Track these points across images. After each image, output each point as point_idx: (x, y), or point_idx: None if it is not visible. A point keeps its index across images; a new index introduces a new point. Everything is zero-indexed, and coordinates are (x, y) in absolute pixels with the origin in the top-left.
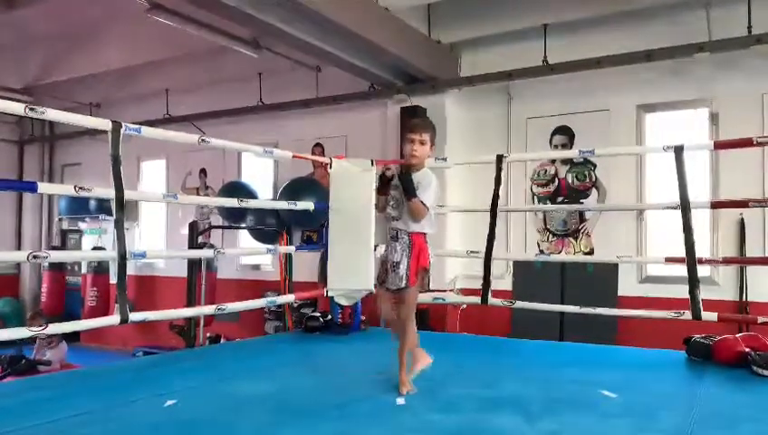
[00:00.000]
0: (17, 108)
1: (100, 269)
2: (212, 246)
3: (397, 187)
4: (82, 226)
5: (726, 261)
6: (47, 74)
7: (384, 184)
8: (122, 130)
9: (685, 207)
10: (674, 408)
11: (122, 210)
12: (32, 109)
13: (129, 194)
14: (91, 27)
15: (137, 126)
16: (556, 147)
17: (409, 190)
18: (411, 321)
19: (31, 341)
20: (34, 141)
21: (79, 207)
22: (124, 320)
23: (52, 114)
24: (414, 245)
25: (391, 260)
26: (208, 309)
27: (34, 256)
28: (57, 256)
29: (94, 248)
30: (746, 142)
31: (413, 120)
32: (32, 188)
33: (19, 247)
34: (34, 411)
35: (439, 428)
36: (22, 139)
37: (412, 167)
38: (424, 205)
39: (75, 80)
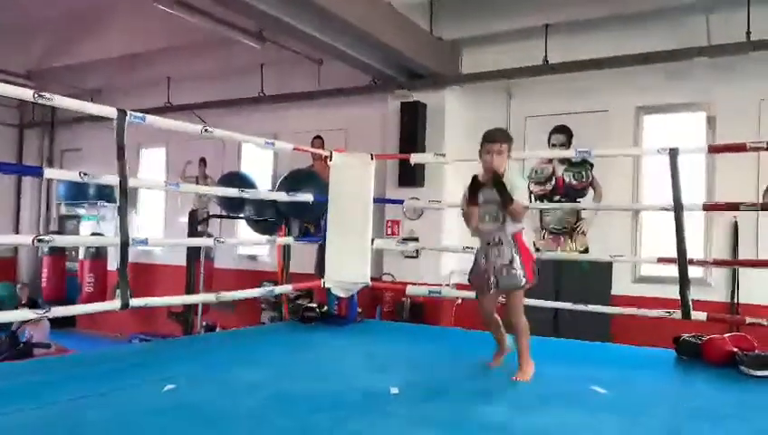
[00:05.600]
0: (26, 93)
1: (97, 255)
2: (210, 236)
3: (487, 201)
4: (80, 211)
5: (717, 263)
6: (49, 59)
7: (474, 192)
8: (127, 119)
9: (677, 208)
10: (662, 404)
11: (125, 197)
12: (40, 95)
13: (132, 181)
14: (95, 13)
15: (141, 114)
16: (554, 146)
17: (506, 197)
18: (523, 315)
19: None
20: (35, 126)
21: (77, 192)
22: (125, 305)
23: (59, 101)
24: (519, 243)
25: (500, 263)
26: (208, 296)
27: (39, 240)
28: (61, 240)
29: (93, 234)
30: (740, 147)
31: (490, 132)
32: (38, 172)
33: (17, 231)
34: (33, 394)
35: (431, 418)
36: (22, 123)
37: (499, 174)
38: (521, 204)
39: (77, 65)
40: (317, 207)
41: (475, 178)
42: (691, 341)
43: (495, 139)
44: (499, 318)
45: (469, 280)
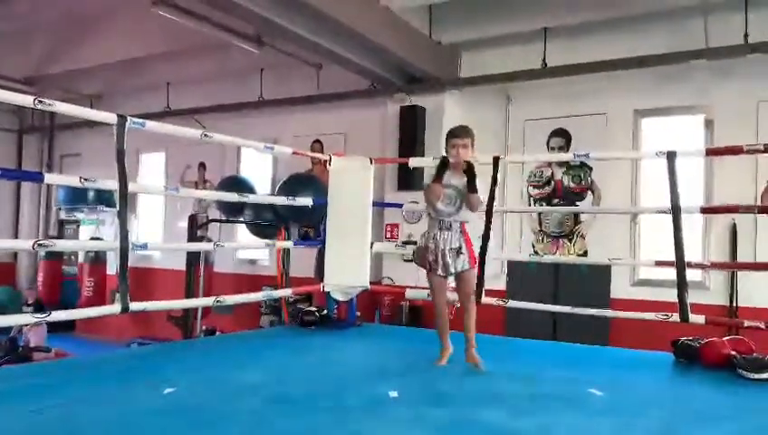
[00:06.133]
0: (26, 100)
1: (96, 260)
2: (209, 240)
3: (449, 186)
4: (80, 216)
5: (715, 265)
6: (49, 64)
7: (441, 171)
8: (127, 124)
9: (675, 211)
10: (659, 407)
11: (126, 202)
12: (40, 101)
13: (131, 186)
14: (94, 19)
15: (141, 120)
16: (553, 149)
17: (473, 185)
18: (473, 299)
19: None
20: (34, 131)
21: (76, 197)
22: (125, 309)
23: (59, 107)
24: (465, 232)
25: (450, 247)
26: (207, 300)
27: (39, 245)
28: (61, 244)
29: (92, 239)
30: (736, 150)
31: (455, 129)
32: (38, 178)
33: (16, 236)
34: (33, 397)
35: (430, 420)
36: (21, 128)
37: (472, 163)
38: (480, 198)
39: (76, 70)
40: (316, 210)
41: (444, 158)
42: (689, 344)
43: (459, 134)
44: (448, 320)
45: (414, 259)
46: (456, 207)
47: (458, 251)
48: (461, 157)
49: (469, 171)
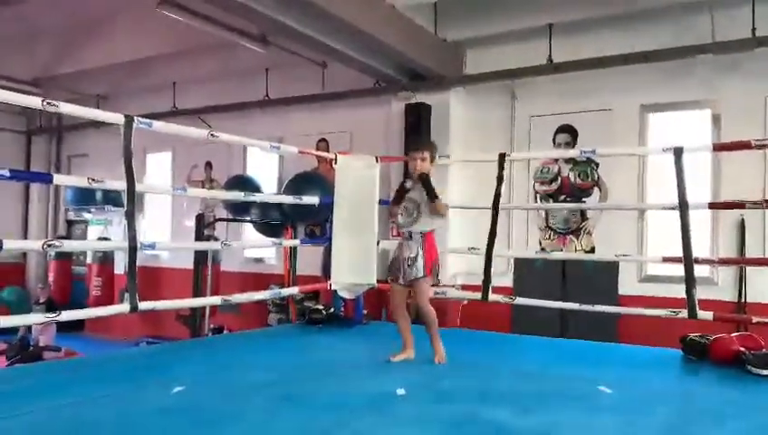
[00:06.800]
0: (34, 102)
1: (105, 259)
2: (216, 239)
3: (409, 200)
4: (88, 216)
5: (722, 261)
6: (55, 66)
7: (401, 196)
8: (134, 124)
9: (682, 207)
10: (666, 404)
11: (133, 202)
12: (48, 103)
13: (139, 187)
14: (99, 20)
15: (148, 120)
16: (559, 145)
17: (432, 194)
18: (428, 304)
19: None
20: (42, 132)
21: (84, 197)
22: (134, 308)
23: (67, 108)
24: (426, 241)
25: (407, 256)
26: (215, 299)
27: (49, 245)
28: (70, 245)
29: (100, 239)
30: (744, 145)
31: (414, 141)
32: (48, 179)
33: (25, 236)
34: (44, 396)
35: (436, 418)
36: (29, 129)
37: (427, 176)
38: (443, 204)
39: (83, 72)
40: (323, 209)
41: (402, 184)
42: (698, 340)
43: (418, 147)
44: (408, 320)
45: (388, 267)
46: (414, 218)
47: (414, 260)
48: (419, 169)
49: (424, 183)
